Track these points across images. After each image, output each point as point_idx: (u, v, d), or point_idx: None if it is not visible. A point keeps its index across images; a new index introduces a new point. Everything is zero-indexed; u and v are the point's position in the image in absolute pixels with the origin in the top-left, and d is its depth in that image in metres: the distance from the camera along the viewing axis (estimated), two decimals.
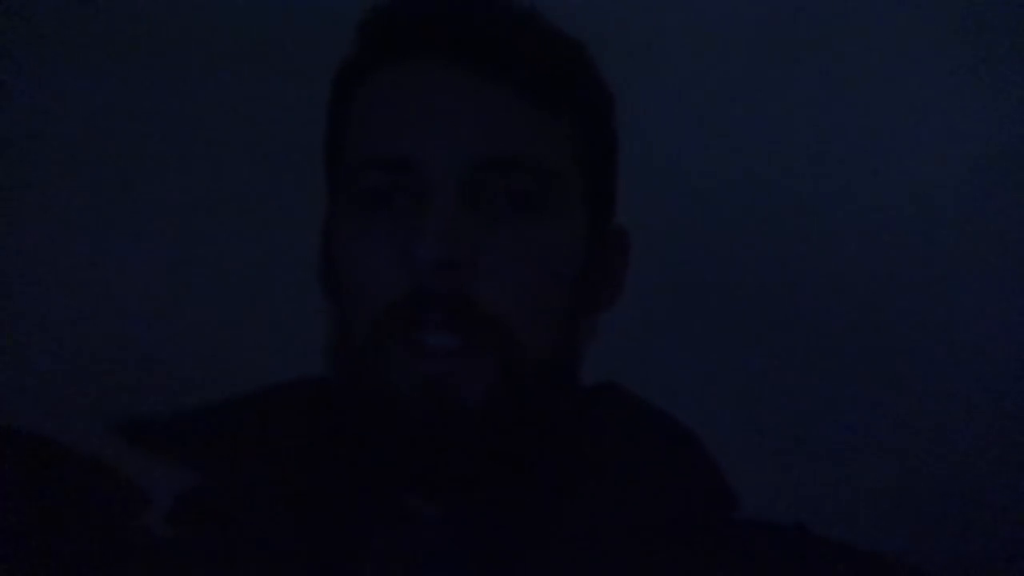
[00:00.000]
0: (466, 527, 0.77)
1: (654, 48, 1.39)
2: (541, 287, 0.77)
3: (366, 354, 0.77)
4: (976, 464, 1.35)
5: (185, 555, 0.76)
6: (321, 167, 0.84)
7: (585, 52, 0.84)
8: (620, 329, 1.28)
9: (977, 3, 1.38)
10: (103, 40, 1.40)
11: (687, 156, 1.40)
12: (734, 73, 1.41)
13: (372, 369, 0.76)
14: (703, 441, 0.83)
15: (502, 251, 0.76)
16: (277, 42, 1.36)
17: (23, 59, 1.39)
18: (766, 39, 1.40)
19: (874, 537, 0.83)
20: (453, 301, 0.75)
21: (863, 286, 1.39)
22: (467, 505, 0.78)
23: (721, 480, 0.81)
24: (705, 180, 1.40)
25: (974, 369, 1.37)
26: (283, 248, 1.25)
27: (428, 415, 0.75)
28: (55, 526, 0.74)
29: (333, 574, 0.77)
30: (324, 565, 0.77)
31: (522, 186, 0.77)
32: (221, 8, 1.39)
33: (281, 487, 0.79)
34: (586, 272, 0.81)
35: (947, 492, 1.34)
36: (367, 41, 0.82)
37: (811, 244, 1.39)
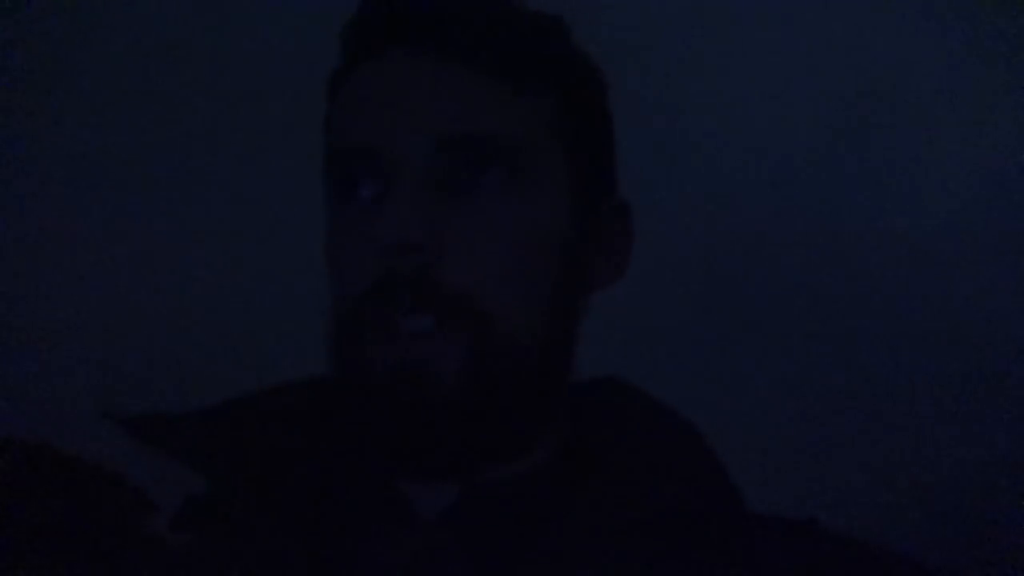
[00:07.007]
0: (467, 525, 0.77)
1: (679, 53, 1.40)
2: (515, 263, 0.77)
3: (347, 341, 0.78)
4: (977, 464, 1.35)
5: (188, 559, 0.76)
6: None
7: (564, 31, 0.84)
8: (625, 328, 1.28)
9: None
10: (103, 40, 1.40)
11: (704, 158, 1.41)
12: (753, 80, 1.41)
13: (352, 356, 0.77)
14: (704, 435, 0.83)
15: (469, 229, 0.77)
16: (281, 42, 1.37)
17: (23, 59, 1.39)
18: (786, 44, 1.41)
19: (873, 536, 0.82)
20: (419, 283, 0.75)
21: (867, 289, 1.39)
22: (467, 502, 0.78)
23: (723, 474, 0.81)
24: (719, 181, 1.41)
25: (975, 370, 1.37)
26: (287, 248, 1.25)
27: (402, 397, 0.75)
28: (61, 532, 0.74)
29: (335, 575, 0.77)
30: (326, 566, 0.77)
31: (489, 162, 0.77)
32: (226, 8, 1.39)
33: (282, 488, 0.79)
34: (575, 247, 0.81)
35: (947, 492, 1.35)
36: (346, 45, 0.83)
37: (816, 248, 1.39)
